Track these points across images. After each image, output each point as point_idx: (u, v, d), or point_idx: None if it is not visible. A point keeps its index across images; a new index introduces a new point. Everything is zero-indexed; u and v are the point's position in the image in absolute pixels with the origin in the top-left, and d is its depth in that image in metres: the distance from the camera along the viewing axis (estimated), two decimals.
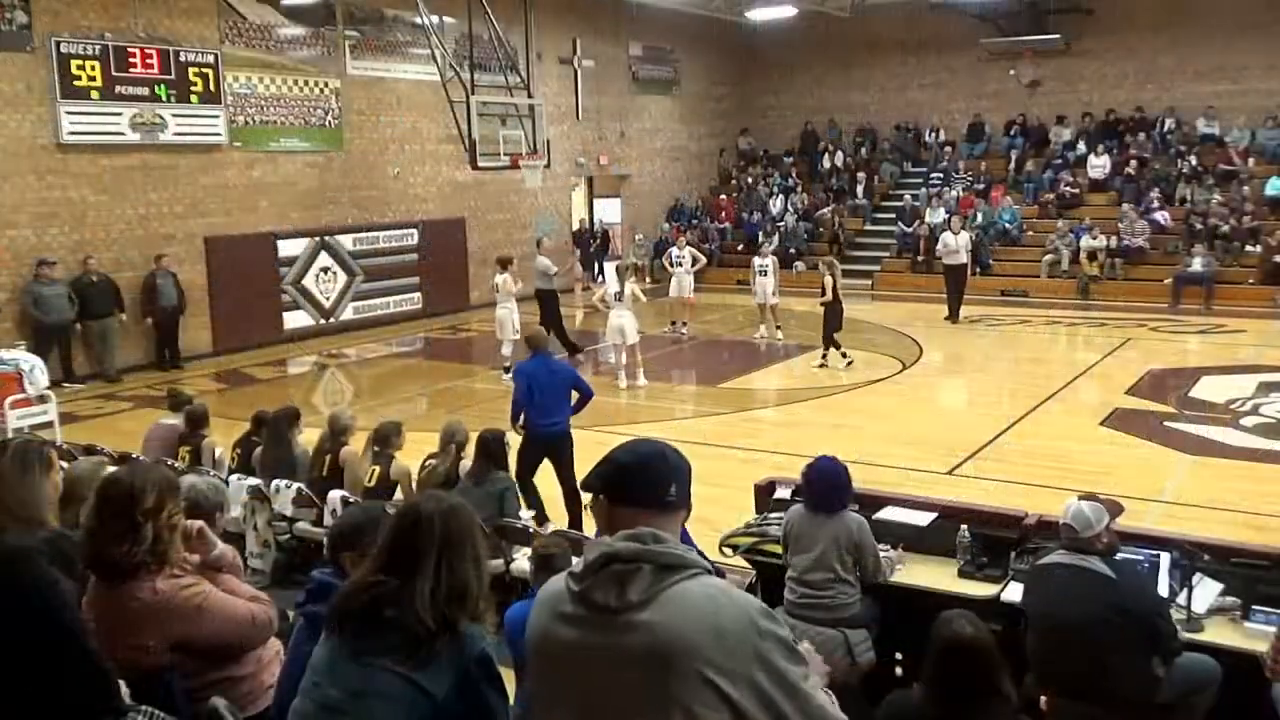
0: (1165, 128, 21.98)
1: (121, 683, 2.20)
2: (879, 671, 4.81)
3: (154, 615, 3.01)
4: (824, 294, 13.38)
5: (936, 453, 9.61)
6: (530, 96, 16.81)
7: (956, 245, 17.38)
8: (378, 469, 6.80)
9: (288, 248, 16.74)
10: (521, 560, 5.89)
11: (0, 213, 13.34)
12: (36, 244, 13.68)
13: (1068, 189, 21.60)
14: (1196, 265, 18.35)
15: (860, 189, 23.91)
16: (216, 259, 15.72)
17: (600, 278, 21.14)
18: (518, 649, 4.02)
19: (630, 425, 11.08)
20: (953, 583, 4.86)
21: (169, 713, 2.19)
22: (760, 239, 20.90)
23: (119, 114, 14.33)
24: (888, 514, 5.30)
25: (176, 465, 7.03)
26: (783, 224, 23.14)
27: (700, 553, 2.11)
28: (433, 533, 2.47)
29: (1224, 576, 4.49)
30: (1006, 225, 21.32)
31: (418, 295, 18.88)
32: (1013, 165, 22.93)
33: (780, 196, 24.08)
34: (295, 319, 16.96)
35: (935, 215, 21.13)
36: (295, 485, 6.96)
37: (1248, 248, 18.82)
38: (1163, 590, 4.36)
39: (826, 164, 24.88)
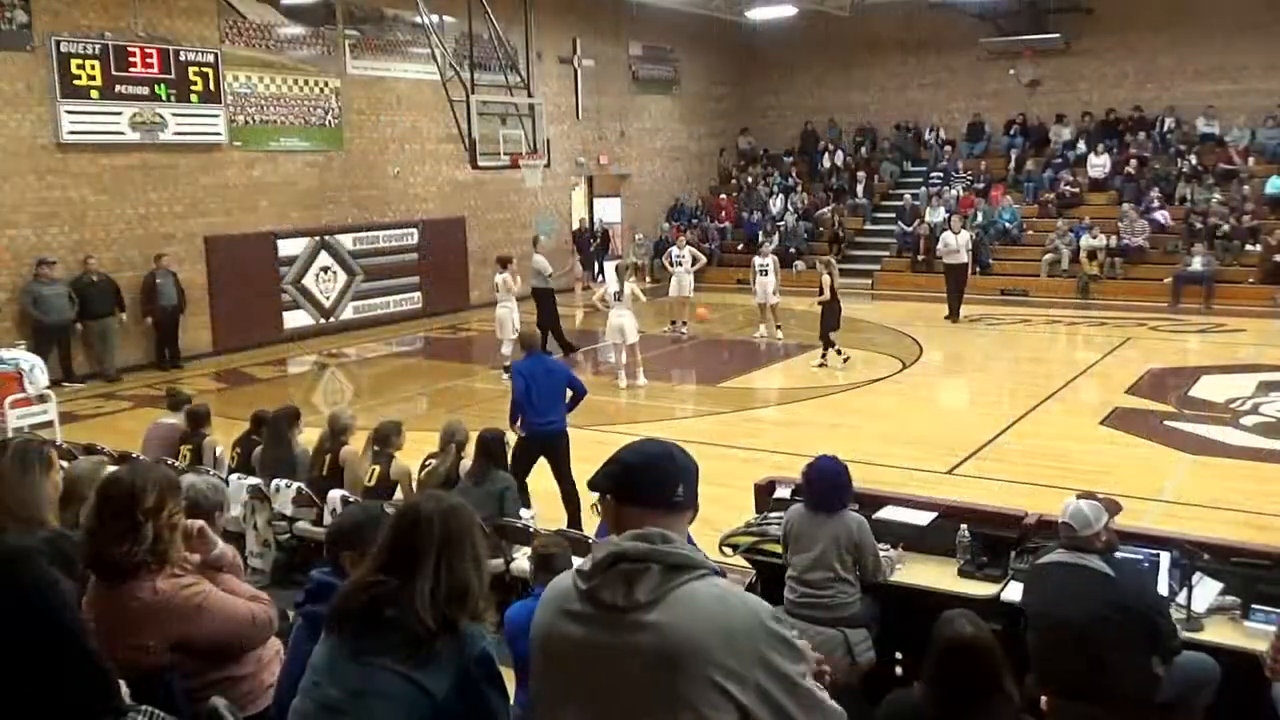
0: (1165, 127, 21.98)
1: (121, 683, 2.20)
2: (879, 671, 4.81)
3: (154, 615, 3.01)
4: (822, 293, 13.40)
5: (936, 452, 9.62)
6: (530, 96, 16.82)
7: (957, 245, 17.39)
8: (378, 469, 6.80)
9: (288, 247, 16.74)
10: (521, 560, 5.89)
11: (0, 212, 13.34)
12: (36, 244, 13.68)
13: (1068, 188, 21.60)
14: (1196, 265, 18.35)
15: (860, 188, 23.92)
16: (216, 258, 15.72)
17: (600, 277, 21.14)
18: (518, 648, 4.02)
19: (630, 425, 11.09)
20: (953, 582, 4.86)
21: (169, 713, 2.19)
22: (760, 239, 20.92)
23: (119, 113, 14.33)
24: (888, 513, 5.30)
25: (176, 464, 7.03)
26: (783, 223, 23.14)
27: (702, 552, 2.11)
28: (432, 532, 2.47)
29: (1224, 576, 4.49)
30: (1006, 225, 21.32)
31: (418, 295, 18.88)
32: (1013, 165, 22.93)
33: (780, 196, 24.09)
34: (295, 318, 16.96)
35: (935, 215, 21.13)
36: (295, 485, 6.96)
37: (1248, 247, 18.82)
38: (1163, 589, 4.36)
39: (826, 163, 24.88)
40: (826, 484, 4.87)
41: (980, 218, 21.24)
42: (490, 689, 2.44)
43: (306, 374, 15.16)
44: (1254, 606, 4.32)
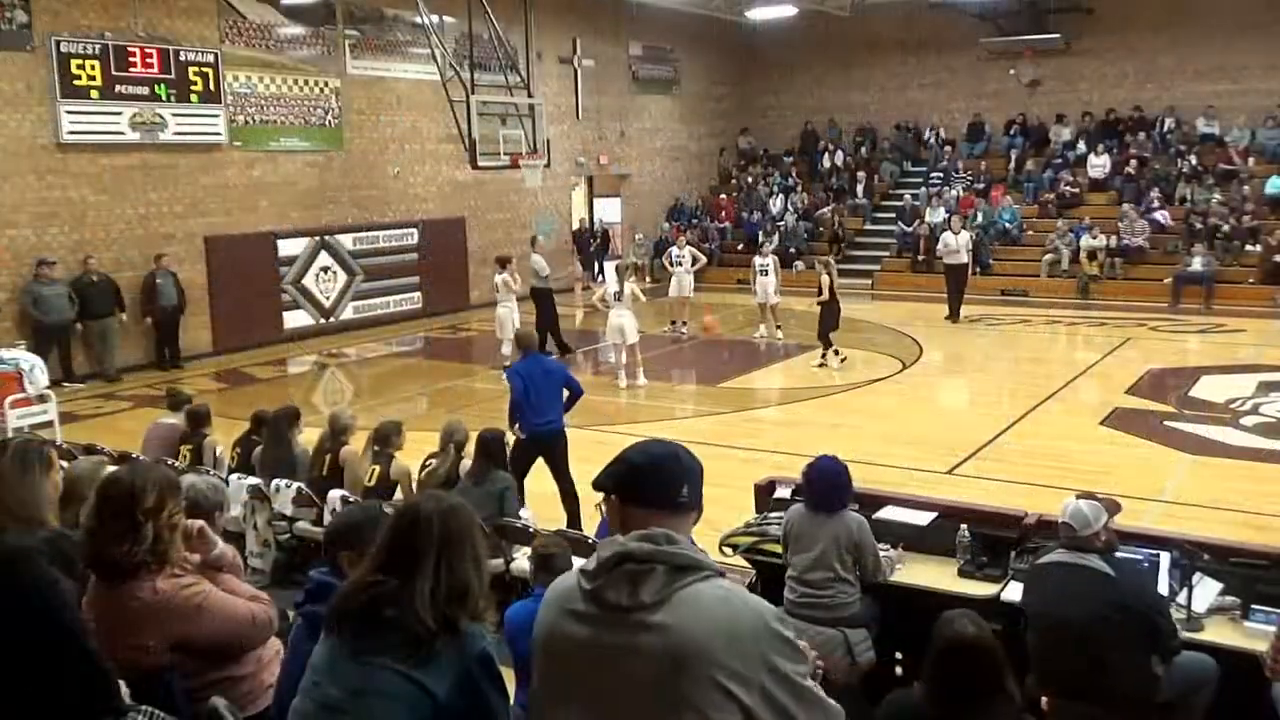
0: (1165, 127, 21.98)
1: (121, 683, 2.20)
2: (879, 671, 4.81)
3: (154, 615, 3.01)
4: (821, 293, 13.41)
5: (936, 452, 9.62)
6: (530, 96, 16.82)
7: (957, 245, 17.39)
8: (378, 469, 6.80)
9: (288, 247, 16.74)
10: (521, 560, 5.89)
11: (0, 212, 13.34)
12: (36, 244, 13.68)
13: (1068, 188, 21.60)
14: (1196, 265, 18.36)
15: (860, 188, 23.92)
16: (216, 258, 15.72)
17: (600, 277, 21.14)
18: (518, 648, 4.02)
19: (630, 425, 11.09)
20: (953, 582, 4.86)
21: (169, 713, 2.19)
22: (760, 238, 20.93)
23: (119, 113, 14.33)
24: (888, 513, 5.30)
25: (176, 464, 7.03)
26: (783, 223, 23.14)
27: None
28: (432, 532, 2.47)
29: (1224, 576, 4.49)
30: (1006, 225, 21.32)
31: (418, 295, 18.88)
32: (1013, 165, 22.93)
33: (780, 196, 24.09)
34: (295, 318, 16.96)
35: (935, 215, 21.14)
36: (295, 485, 6.96)
37: (1248, 247, 18.82)
38: (1163, 590, 4.36)
39: (826, 163, 24.88)
40: (826, 484, 4.87)
41: (980, 218, 21.24)
42: (491, 689, 2.44)
43: (306, 374, 15.16)
44: (1254, 606, 4.32)
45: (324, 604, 2.67)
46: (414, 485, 6.83)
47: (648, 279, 21.19)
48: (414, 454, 7.19)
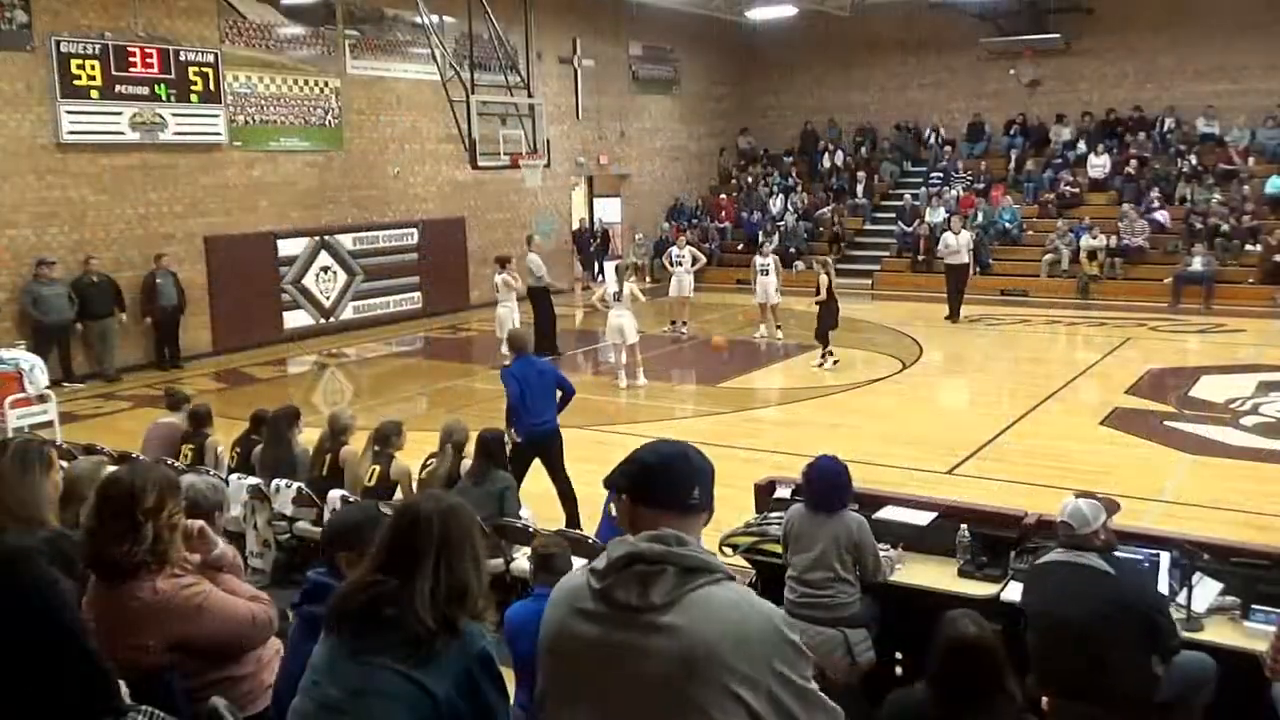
0: (1165, 127, 21.98)
1: (121, 683, 2.20)
2: (879, 671, 4.81)
3: (154, 615, 3.01)
4: (819, 293, 13.41)
5: (936, 452, 9.61)
6: (530, 96, 16.82)
7: (958, 245, 17.38)
8: (378, 469, 6.80)
9: (288, 247, 16.74)
10: (521, 560, 5.89)
11: (0, 212, 13.34)
12: (36, 244, 13.68)
13: (1068, 188, 21.60)
14: (1196, 265, 18.35)
15: (860, 188, 23.92)
16: (216, 258, 15.72)
17: (600, 277, 21.14)
18: (518, 648, 4.02)
19: (630, 425, 11.09)
20: (953, 582, 4.86)
21: (169, 713, 2.19)
22: (760, 238, 20.91)
23: (119, 113, 14.33)
24: (888, 513, 5.30)
25: (177, 464, 7.03)
26: (783, 223, 23.14)
27: None
28: (431, 532, 2.47)
29: (1224, 576, 4.49)
30: (1006, 225, 21.33)
31: (418, 295, 18.88)
32: (1013, 165, 22.93)
33: (780, 196, 24.09)
34: (295, 318, 16.96)
35: (935, 215, 21.14)
36: (295, 485, 6.96)
37: (1247, 247, 18.82)
38: (1163, 589, 4.36)
39: (826, 163, 24.88)
40: (826, 484, 4.87)
41: (980, 218, 21.24)
42: (491, 688, 2.44)
43: (306, 374, 15.16)
44: (1254, 606, 4.32)
45: (321, 604, 2.67)
46: (414, 485, 6.83)
47: (648, 279, 21.18)
48: (414, 454, 7.19)
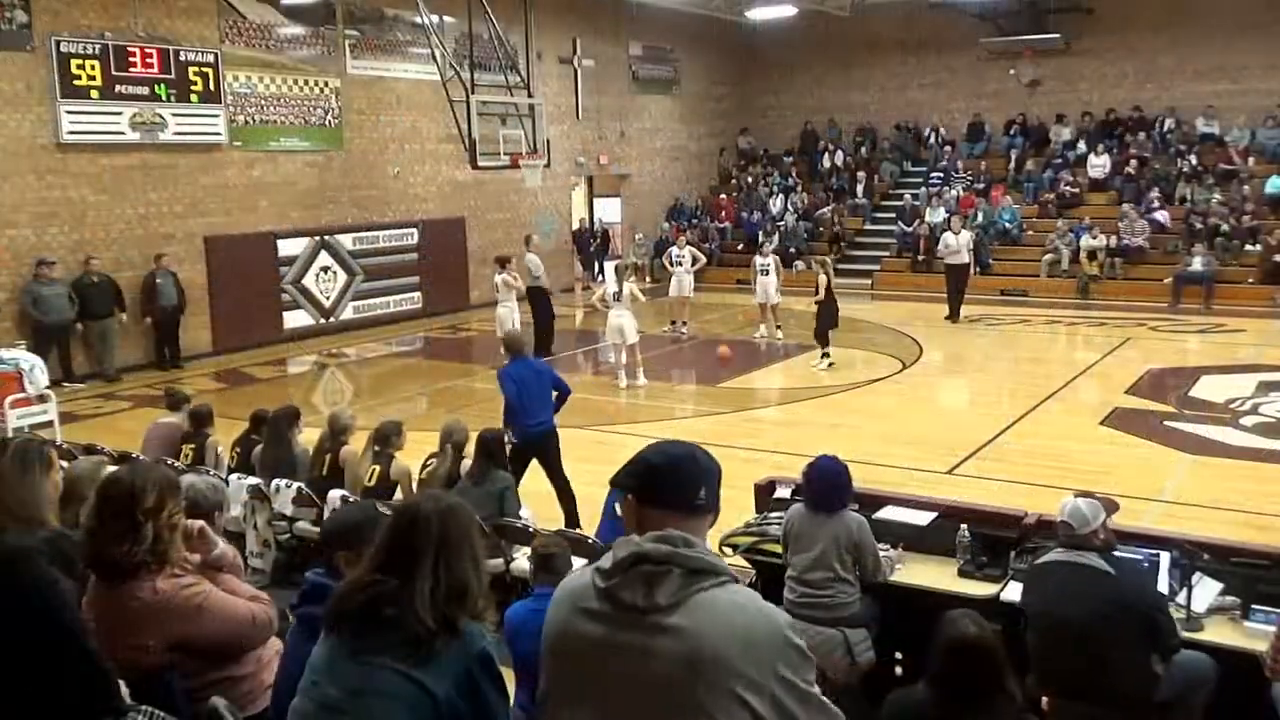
0: (1165, 127, 21.98)
1: (121, 683, 2.20)
2: (879, 671, 4.81)
3: (154, 615, 3.01)
4: (818, 293, 13.42)
5: (936, 452, 9.61)
6: (530, 96, 16.82)
7: (958, 245, 17.38)
8: (378, 469, 6.80)
9: (288, 247, 16.74)
10: (521, 560, 5.89)
11: (0, 212, 13.34)
12: (36, 244, 13.68)
13: (1068, 188, 21.60)
14: (1196, 265, 18.35)
15: (860, 188, 23.92)
16: (216, 258, 15.72)
17: (600, 277, 21.14)
18: (518, 648, 4.02)
19: (630, 425, 11.09)
20: (953, 582, 4.86)
21: (169, 713, 2.19)
22: (760, 238, 20.91)
23: (119, 113, 14.33)
24: (888, 513, 5.30)
25: (177, 464, 7.03)
26: (783, 223, 23.14)
27: None
28: (430, 532, 2.47)
29: (1224, 576, 4.49)
30: (1006, 225, 21.33)
31: (418, 295, 18.88)
32: (1013, 165, 22.93)
33: (780, 196, 24.09)
34: (295, 318, 16.96)
35: (935, 215, 21.15)
36: (295, 485, 6.95)
37: (1247, 247, 18.83)
38: (1163, 589, 4.36)
39: (826, 163, 24.88)
40: (826, 484, 4.87)
41: (980, 218, 21.24)
42: (490, 688, 2.44)
43: (306, 374, 15.16)
44: (1254, 606, 4.32)
45: (319, 605, 2.67)
46: (414, 485, 6.83)
47: (648, 279, 21.19)
48: (414, 454, 7.19)
